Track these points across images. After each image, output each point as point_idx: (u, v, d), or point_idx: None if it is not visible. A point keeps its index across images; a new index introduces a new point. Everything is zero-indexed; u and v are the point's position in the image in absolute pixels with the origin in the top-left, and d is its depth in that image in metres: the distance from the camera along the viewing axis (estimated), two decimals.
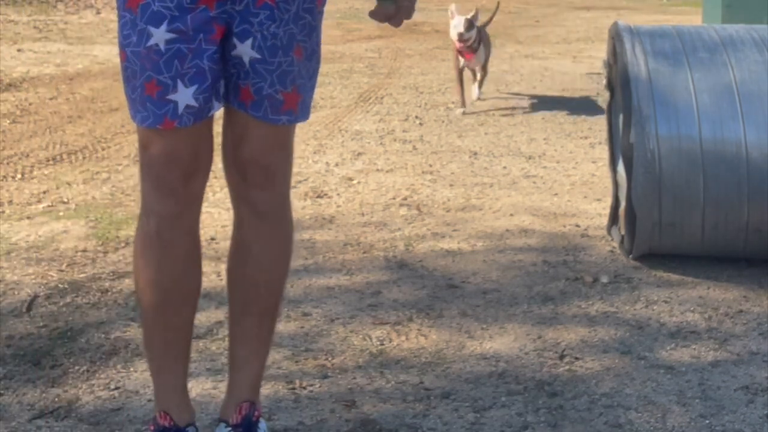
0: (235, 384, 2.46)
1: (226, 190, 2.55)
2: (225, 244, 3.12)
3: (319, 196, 4.88)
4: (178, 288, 2.36)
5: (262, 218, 2.36)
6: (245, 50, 2.20)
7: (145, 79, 2.18)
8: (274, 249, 2.40)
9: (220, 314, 3.27)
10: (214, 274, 3.64)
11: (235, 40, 2.20)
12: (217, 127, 2.30)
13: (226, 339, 3.14)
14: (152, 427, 2.43)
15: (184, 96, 2.18)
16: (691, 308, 3.47)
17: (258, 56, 2.21)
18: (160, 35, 2.14)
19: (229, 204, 2.51)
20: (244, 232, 2.39)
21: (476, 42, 6.86)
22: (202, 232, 2.50)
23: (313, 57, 2.31)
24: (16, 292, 3.60)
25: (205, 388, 2.84)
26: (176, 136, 2.23)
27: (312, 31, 2.29)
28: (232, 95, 2.27)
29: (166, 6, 2.14)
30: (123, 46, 2.20)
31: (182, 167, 2.25)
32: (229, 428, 2.43)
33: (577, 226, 4.42)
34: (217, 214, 4.48)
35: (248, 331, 2.44)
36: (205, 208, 3.54)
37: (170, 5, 2.14)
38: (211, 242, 4.10)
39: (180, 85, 2.17)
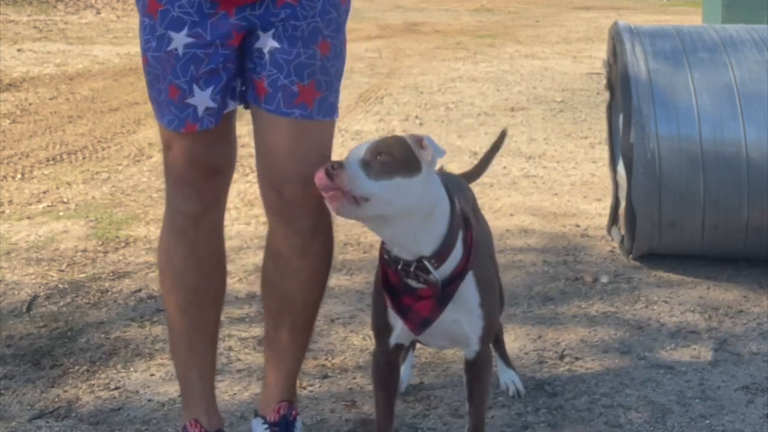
0: (272, 383, 2.46)
1: None
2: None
3: None
4: (204, 288, 2.36)
5: (299, 235, 2.28)
6: (266, 41, 2.18)
7: (168, 83, 2.19)
8: (312, 264, 2.33)
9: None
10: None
11: (258, 31, 2.18)
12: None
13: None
14: None
15: (202, 99, 2.19)
16: (691, 308, 3.47)
17: (277, 45, 2.18)
18: (179, 40, 2.15)
19: None
20: (280, 247, 2.32)
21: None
22: None
23: (339, 55, 2.27)
24: (16, 292, 3.60)
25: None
26: (194, 140, 2.23)
27: (339, 28, 2.25)
28: (250, 92, 2.24)
29: (186, 11, 2.14)
30: (144, 51, 2.21)
31: (203, 166, 2.26)
32: (266, 425, 2.44)
33: (577, 226, 4.42)
34: None
35: (284, 339, 2.42)
36: None
37: (190, 10, 2.14)
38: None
39: (195, 89, 2.17)
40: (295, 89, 2.19)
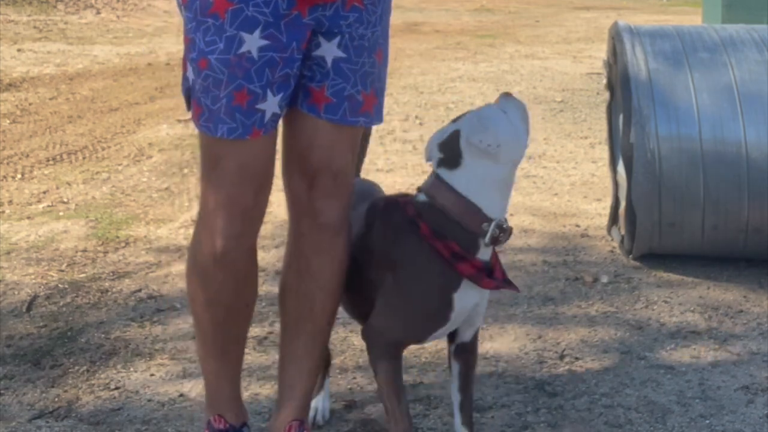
0: (285, 401, 2.42)
1: None
2: None
3: None
4: (238, 304, 2.32)
5: (324, 230, 2.26)
6: (330, 49, 2.14)
7: (235, 87, 2.08)
8: (333, 264, 2.31)
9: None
10: None
11: (320, 38, 2.13)
12: None
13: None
14: (207, 431, 2.41)
15: (272, 104, 2.11)
16: (691, 308, 3.47)
17: (343, 55, 2.14)
18: (252, 42, 2.06)
19: None
20: (303, 245, 2.30)
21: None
22: None
23: (387, 60, 2.27)
24: (16, 292, 3.60)
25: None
26: (252, 148, 2.14)
27: (387, 34, 2.25)
28: (302, 99, 2.18)
29: (261, 11, 2.05)
30: (204, 54, 2.08)
31: (255, 182, 2.17)
32: None
33: (577, 226, 4.42)
34: None
35: (300, 350, 2.38)
36: None
37: (265, 11, 2.05)
38: None
39: (269, 93, 2.10)
40: (360, 98, 2.19)
